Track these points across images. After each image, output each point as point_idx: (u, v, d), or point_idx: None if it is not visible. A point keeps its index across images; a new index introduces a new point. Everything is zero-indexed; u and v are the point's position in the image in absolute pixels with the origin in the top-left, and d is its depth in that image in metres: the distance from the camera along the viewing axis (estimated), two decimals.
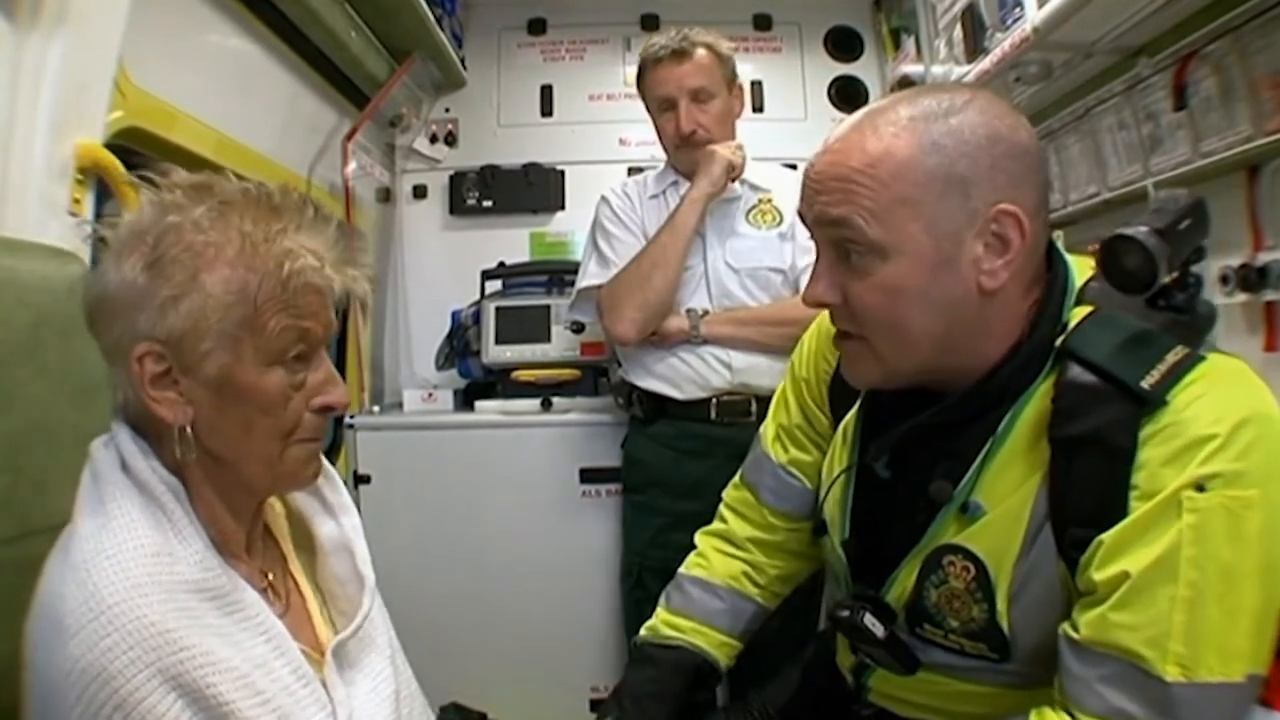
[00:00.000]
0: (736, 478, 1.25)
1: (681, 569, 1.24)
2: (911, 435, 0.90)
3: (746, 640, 1.21)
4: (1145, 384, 0.76)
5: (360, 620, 0.88)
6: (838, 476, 1.01)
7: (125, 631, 0.67)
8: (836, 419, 1.06)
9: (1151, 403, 0.76)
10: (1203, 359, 0.78)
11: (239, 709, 0.70)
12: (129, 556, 0.70)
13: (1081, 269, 0.88)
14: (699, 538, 1.26)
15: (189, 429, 0.76)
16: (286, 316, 0.76)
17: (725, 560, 1.21)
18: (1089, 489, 0.78)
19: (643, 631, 1.21)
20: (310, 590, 0.91)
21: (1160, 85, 1.51)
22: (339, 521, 0.93)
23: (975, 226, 0.81)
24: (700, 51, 1.74)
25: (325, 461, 0.92)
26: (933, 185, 0.80)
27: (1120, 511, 0.76)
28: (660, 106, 1.78)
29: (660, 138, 1.83)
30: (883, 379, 0.91)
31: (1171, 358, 0.78)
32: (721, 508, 1.26)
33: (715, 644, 1.17)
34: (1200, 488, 0.73)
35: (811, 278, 0.90)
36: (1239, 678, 0.73)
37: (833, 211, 0.83)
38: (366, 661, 0.88)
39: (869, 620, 0.91)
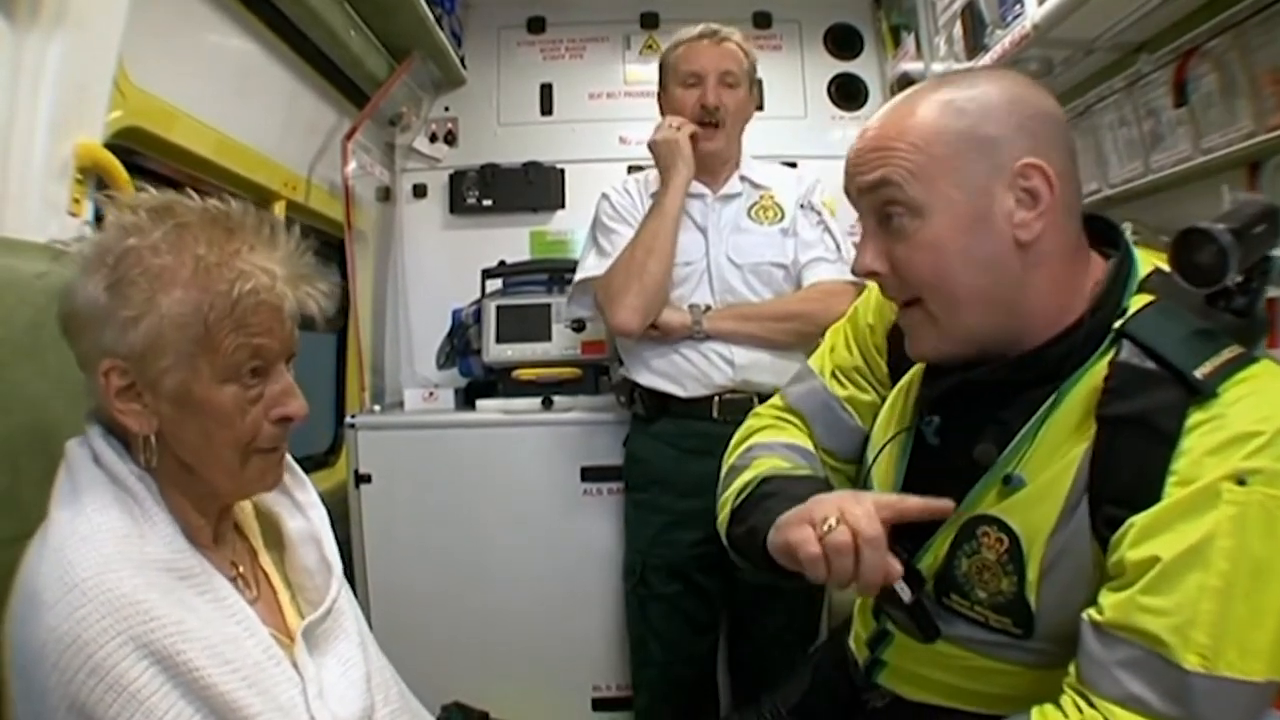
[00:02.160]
0: (776, 400, 1.23)
1: (755, 438, 1.18)
2: (963, 396, 0.92)
3: None
4: (1199, 373, 0.78)
5: (329, 604, 0.91)
6: (893, 437, 1.02)
7: (98, 602, 0.70)
8: (893, 368, 1.08)
9: (1202, 392, 0.77)
10: (1256, 360, 0.80)
11: (209, 675, 0.73)
12: (101, 537, 0.74)
13: (1145, 262, 0.91)
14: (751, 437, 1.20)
15: (153, 438, 0.81)
16: (239, 335, 0.80)
17: (797, 433, 1.18)
18: (1128, 468, 0.79)
19: (756, 474, 1.08)
20: (280, 583, 0.94)
21: (1161, 82, 1.51)
22: (307, 516, 0.97)
23: (1004, 180, 0.84)
24: (733, 45, 1.80)
25: (293, 462, 0.96)
26: (961, 145, 0.84)
27: (1155, 495, 0.77)
28: (686, 81, 1.79)
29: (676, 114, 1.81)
30: (941, 346, 0.91)
31: (1228, 353, 0.79)
32: (760, 418, 1.23)
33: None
34: (1241, 481, 0.74)
35: (858, 250, 0.93)
36: (1257, 678, 0.72)
37: (872, 176, 0.88)
38: (335, 647, 0.91)
39: (898, 583, 0.91)
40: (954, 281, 0.86)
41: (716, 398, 1.76)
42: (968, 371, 0.91)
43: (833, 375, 1.16)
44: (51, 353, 0.95)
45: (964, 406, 0.93)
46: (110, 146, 1.22)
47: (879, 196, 0.88)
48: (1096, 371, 0.84)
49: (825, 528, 0.85)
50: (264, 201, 1.98)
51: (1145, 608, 0.74)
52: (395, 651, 1.05)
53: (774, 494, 1.01)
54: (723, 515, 1.10)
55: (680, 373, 1.77)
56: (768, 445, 1.15)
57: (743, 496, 1.06)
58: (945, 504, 0.88)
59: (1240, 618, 0.72)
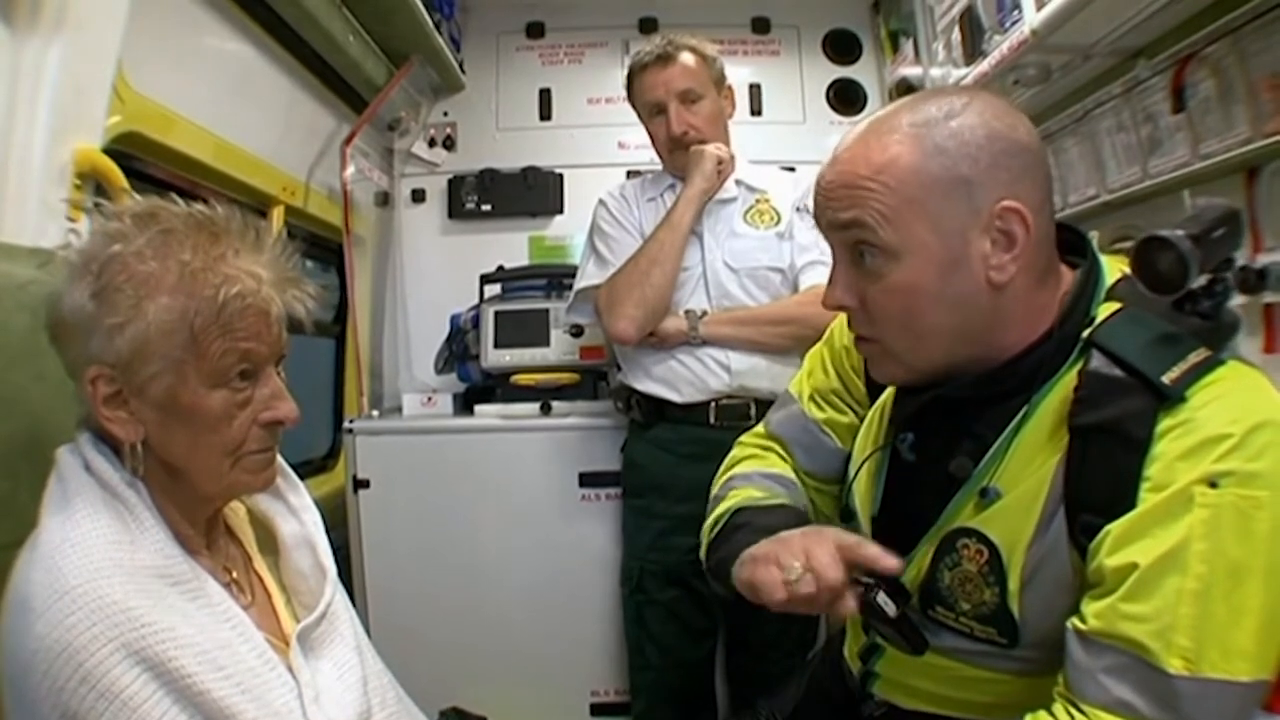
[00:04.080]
0: (759, 428, 1.24)
1: (736, 469, 1.20)
2: (936, 411, 0.92)
3: None
4: (1166, 379, 0.78)
5: (323, 608, 0.91)
6: (870, 455, 1.02)
7: (89, 609, 0.70)
8: (870, 388, 1.08)
9: (1170, 397, 0.77)
10: (1223, 362, 0.80)
11: (202, 681, 0.72)
12: (91, 544, 0.74)
13: (1112, 268, 0.91)
14: (736, 467, 1.21)
15: (139, 446, 0.81)
16: (226, 340, 0.79)
17: (778, 461, 1.19)
18: (1102, 477, 0.79)
19: (729, 506, 1.10)
20: (275, 587, 0.94)
21: (1159, 87, 1.51)
22: (300, 519, 0.97)
23: (980, 224, 0.83)
24: (685, 55, 1.76)
25: (286, 466, 0.95)
26: (937, 187, 0.83)
27: (1130, 502, 0.77)
28: (650, 112, 1.80)
29: (654, 143, 1.84)
30: (905, 375, 0.93)
31: (1194, 358, 0.79)
32: (743, 447, 1.24)
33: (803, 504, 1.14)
34: (1213, 484, 0.74)
35: (829, 282, 0.92)
36: (1243, 677, 0.73)
37: (844, 215, 0.86)
38: (331, 650, 0.90)
39: (882, 599, 0.91)
40: (923, 322, 0.86)
41: (713, 403, 1.76)
42: (938, 388, 0.91)
43: (811, 399, 1.17)
44: (49, 358, 0.95)
45: (938, 421, 0.93)
46: (109, 151, 1.22)
47: (851, 235, 0.87)
48: (1067, 381, 0.84)
49: (793, 576, 0.88)
50: (263, 207, 1.98)
51: (1126, 614, 0.75)
52: (393, 656, 1.05)
53: (743, 525, 1.03)
54: (703, 547, 1.12)
55: (677, 378, 1.77)
56: (745, 475, 1.17)
57: (716, 529, 1.09)
58: (895, 561, 0.89)
59: (1220, 619, 0.73)
